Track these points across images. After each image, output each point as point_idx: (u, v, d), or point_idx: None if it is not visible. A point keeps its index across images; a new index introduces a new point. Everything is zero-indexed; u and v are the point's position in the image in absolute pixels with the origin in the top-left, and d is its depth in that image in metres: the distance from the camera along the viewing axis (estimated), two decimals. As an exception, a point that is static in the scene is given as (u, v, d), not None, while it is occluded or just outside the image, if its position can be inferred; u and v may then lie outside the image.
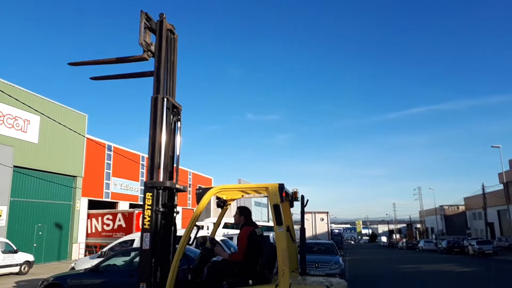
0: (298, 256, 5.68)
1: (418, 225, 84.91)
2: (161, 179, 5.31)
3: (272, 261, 4.88)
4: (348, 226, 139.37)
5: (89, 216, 27.70)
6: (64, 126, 20.45)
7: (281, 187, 4.81)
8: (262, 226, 40.24)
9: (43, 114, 19.55)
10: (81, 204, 26.83)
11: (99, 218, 27.20)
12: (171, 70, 5.92)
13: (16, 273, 17.25)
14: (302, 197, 5.56)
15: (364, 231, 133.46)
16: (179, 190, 5.56)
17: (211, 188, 5.12)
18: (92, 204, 28.95)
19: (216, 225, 6.25)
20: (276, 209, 4.68)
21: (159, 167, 5.37)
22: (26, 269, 17.86)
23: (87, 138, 26.86)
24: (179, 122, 5.86)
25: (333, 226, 77.63)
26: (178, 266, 4.80)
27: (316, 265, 13.86)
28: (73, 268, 12.60)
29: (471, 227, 61.64)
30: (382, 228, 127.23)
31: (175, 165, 5.85)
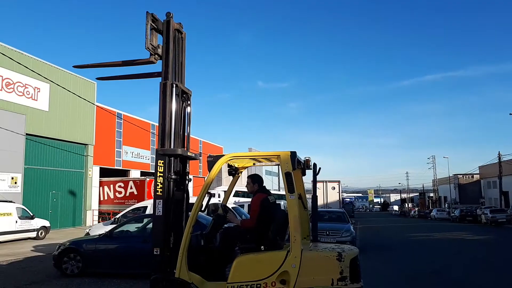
0: (309, 223, 5.66)
1: (431, 194, 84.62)
2: (172, 147, 5.28)
3: (284, 228, 4.88)
4: (360, 195, 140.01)
5: (101, 184, 28.08)
6: (74, 93, 20.34)
7: (293, 155, 4.78)
8: (274, 194, 40.72)
9: (52, 81, 19.43)
10: (93, 172, 27.15)
11: (111, 186, 27.57)
12: (179, 70, 5.71)
13: (33, 238, 17.71)
14: (315, 165, 5.49)
15: (376, 200, 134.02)
16: (191, 158, 5.52)
17: (223, 156, 5.08)
18: (104, 172, 29.30)
19: (228, 193, 6.24)
20: (288, 177, 4.66)
21: (170, 135, 5.31)
22: (43, 234, 18.32)
23: (97, 106, 26.82)
24: (189, 108, 5.76)
25: (345, 195, 77.99)
26: (191, 232, 4.83)
27: (327, 232, 13.83)
28: (88, 233, 12.83)
29: (485, 196, 61.15)
30: (394, 197, 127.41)
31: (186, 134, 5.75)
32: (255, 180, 5.38)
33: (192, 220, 4.85)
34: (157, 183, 5.14)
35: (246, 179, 5.56)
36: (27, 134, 21.21)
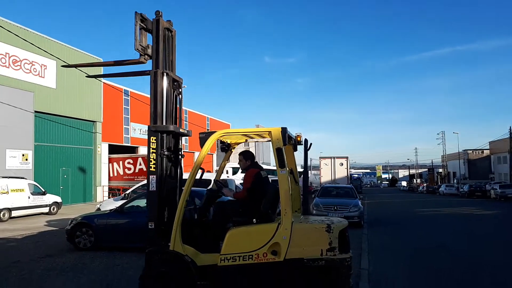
0: (301, 197, 5.82)
1: (440, 170, 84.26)
2: (164, 123, 5.38)
3: (275, 201, 5.02)
4: (368, 171, 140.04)
5: (110, 161, 28.33)
6: (80, 70, 20.25)
7: (284, 131, 4.87)
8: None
9: (59, 58, 19.32)
10: (102, 149, 27.37)
11: (120, 163, 27.78)
12: (170, 66, 5.74)
13: (46, 213, 18.06)
14: (306, 141, 5.62)
15: (384, 176, 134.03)
16: (183, 135, 5.67)
17: (215, 132, 5.20)
18: (113, 149, 29.51)
19: (221, 168, 6.38)
20: (279, 152, 4.79)
21: (162, 115, 5.40)
22: (55, 209, 18.67)
23: (104, 83, 26.76)
24: (180, 95, 5.83)
25: (353, 171, 77.98)
26: (184, 206, 4.96)
27: (335, 207, 13.90)
28: (98, 209, 13.03)
29: (495, 172, 60.76)
30: (402, 173, 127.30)
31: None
32: (247, 157, 5.53)
33: (186, 194, 4.96)
34: (150, 159, 5.27)
35: (238, 156, 5.69)
36: (35, 111, 21.32)
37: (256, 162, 5.63)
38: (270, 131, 4.94)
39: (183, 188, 5.20)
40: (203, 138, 5.16)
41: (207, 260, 4.81)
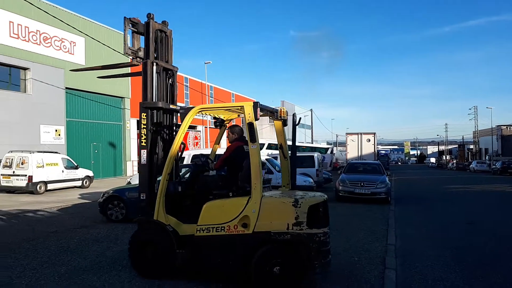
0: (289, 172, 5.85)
1: (471, 146, 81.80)
2: (154, 100, 5.67)
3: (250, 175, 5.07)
4: (396, 147, 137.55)
5: (139, 136, 28.93)
6: (108, 47, 20.53)
7: (255, 105, 4.90)
8: (306, 146, 40.60)
9: (87, 35, 19.64)
10: (131, 125, 27.94)
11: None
12: (166, 60, 6.04)
13: (79, 187, 18.79)
14: (294, 115, 5.79)
15: (412, 153, 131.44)
16: (175, 111, 5.91)
17: (193, 108, 5.35)
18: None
19: (217, 142, 6.63)
20: (250, 127, 4.85)
21: (152, 95, 5.70)
22: (87, 183, 19.38)
23: (131, 59, 27.02)
24: (172, 80, 6.12)
25: (380, 147, 76.80)
26: (167, 179, 5.22)
27: (361, 184, 13.80)
28: (129, 182, 13.42)
29: (530, 148, 58.48)
30: (431, 149, 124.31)
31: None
32: (234, 131, 5.74)
33: (168, 168, 5.22)
34: (141, 134, 5.55)
35: (227, 130, 5.96)
36: (66, 88, 21.89)
37: (244, 137, 5.68)
38: (243, 106, 5.02)
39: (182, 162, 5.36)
40: (183, 114, 5.34)
41: (187, 230, 5.07)
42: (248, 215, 4.67)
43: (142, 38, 5.97)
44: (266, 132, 58.66)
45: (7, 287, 4.95)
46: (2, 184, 16.65)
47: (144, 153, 5.55)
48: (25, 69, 20.03)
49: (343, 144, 45.85)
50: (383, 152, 58.18)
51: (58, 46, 21.85)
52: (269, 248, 4.64)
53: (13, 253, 6.68)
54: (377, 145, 37.44)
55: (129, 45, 5.71)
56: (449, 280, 5.41)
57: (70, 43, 22.59)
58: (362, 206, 12.66)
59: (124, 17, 5.71)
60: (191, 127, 33.34)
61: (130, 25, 5.74)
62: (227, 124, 6.24)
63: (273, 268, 4.56)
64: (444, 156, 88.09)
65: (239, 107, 5.24)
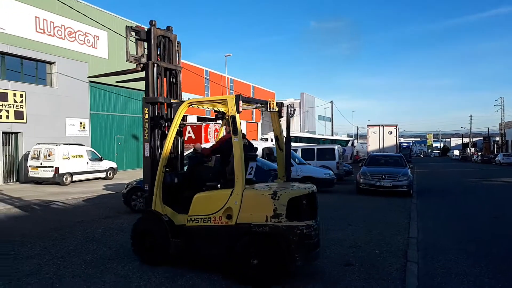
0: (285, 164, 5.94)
1: (497, 138, 79.46)
2: (155, 95, 6.01)
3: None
4: (418, 139, 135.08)
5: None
6: (130, 40, 20.81)
7: (237, 98, 5.00)
8: (326, 139, 40.28)
9: (110, 29, 19.92)
10: (153, 117, 28.23)
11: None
12: (170, 61, 6.38)
13: (103, 178, 19.26)
14: (287, 107, 5.84)
15: (435, 145, 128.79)
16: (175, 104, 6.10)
17: (183, 102, 5.63)
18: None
19: (220, 133, 6.79)
20: (232, 119, 4.96)
21: (153, 91, 6.02)
22: (111, 174, 19.84)
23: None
24: (175, 80, 6.43)
25: (402, 139, 75.52)
26: (163, 171, 5.49)
27: (383, 176, 13.65)
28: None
29: (559, 141, 56.38)
30: (455, 142, 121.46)
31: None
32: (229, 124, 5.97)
33: (163, 161, 5.47)
34: (144, 128, 5.83)
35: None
36: (90, 81, 22.32)
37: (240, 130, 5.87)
38: (226, 99, 5.14)
39: (185, 152, 5.87)
40: (175, 108, 5.63)
41: (181, 220, 5.26)
42: (231, 207, 4.79)
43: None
44: (285, 124, 58.49)
45: (36, 274, 5.16)
46: (30, 175, 17.23)
47: (146, 146, 5.82)
48: (51, 63, 20.51)
49: (364, 136, 45.28)
50: (405, 144, 57.19)
51: (82, 40, 22.27)
52: (248, 239, 4.71)
53: (42, 241, 6.93)
54: (399, 137, 36.85)
55: (131, 53, 5.99)
56: (473, 274, 5.33)
57: (94, 37, 22.98)
58: (384, 199, 12.54)
59: (126, 26, 6.10)
60: (211, 120, 33.60)
61: (133, 33, 6.07)
62: (227, 117, 6.34)
63: (252, 259, 4.60)
64: (468, 149, 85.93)
65: (223, 100, 5.35)
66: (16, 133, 18.57)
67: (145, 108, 5.85)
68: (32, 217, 9.61)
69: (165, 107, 6.15)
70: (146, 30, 6.14)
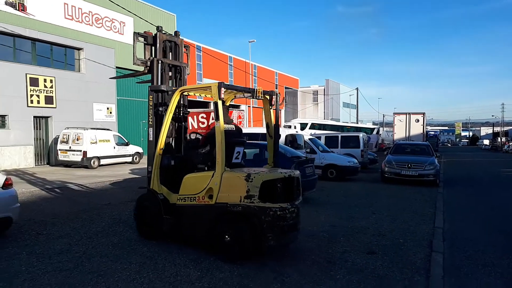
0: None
1: (530, 128, 76.41)
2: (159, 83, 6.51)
3: (229, 152, 5.54)
4: (446, 128, 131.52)
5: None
6: (156, 26, 20.96)
7: (219, 86, 5.22)
8: (351, 127, 39.72)
9: (135, 15, 20.11)
10: (178, 103, 28.52)
11: (195, 117, 28.77)
12: (176, 59, 6.96)
13: (129, 162, 19.69)
14: (276, 94, 6.09)
15: (463, 134, 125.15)
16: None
17: (177, 89, 6.01)
18: (187, 104, 30.62)
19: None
20: (215, 105, 5.24)
21: (158, 82, 6.53)
22: (137, 159, 20.26)
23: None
24: (180, 75, 6.92)
25: (429, 128, 73.67)
26: (160, 153, 5.97)
27: (409, 165, 13.40)
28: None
29: None
30: (485, 131, 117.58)
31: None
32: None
33: (160, 143, 5.93)
34: (149, 114, 6.30)
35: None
36: (116, 67, 22.68)
37: (228, 116, 6.17)
38: (210, 86, 5.41)
39: (188, 135, 6.55)
40: (170, 95, 6.02)
41: (174, 199, 5.71)
42: (212, 187, 5.19)
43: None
44: (309, 111, 58.00)
45: (66, 253, 5.36)
46: (60, 158, 17.79)
47: (151, 130, 6.28)
48: (79, 49, 20.93)
49: (390, 124, 44.41)
50: (432, 133, 55.69)
51: (108, 26, 22.59)
52: (225, 218, 5.11)
53: (71, 222, 7.18)
54: (426, 125, 35.95)
55: (138, 57, 6.52)
56: (501, 266, 5.20)
57: (120, 23, 23.27)
58: (409, 188, 12.33)
59: (134, 32, 6.70)
60: (234, 106, 33.68)
61: (142, 38, 6.63)
62: (226, 104, 6.76)
63: (225, 236, 5.03)
64: (499, 138, 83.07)
65: (209, 87, 5.59)
66: (47, 117, 19.15)
67: (150, 96, 6.29)
68: (62, 198, 9.95)
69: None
70: (153, 35, 6.68)
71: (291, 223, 4.99)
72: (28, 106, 18.05)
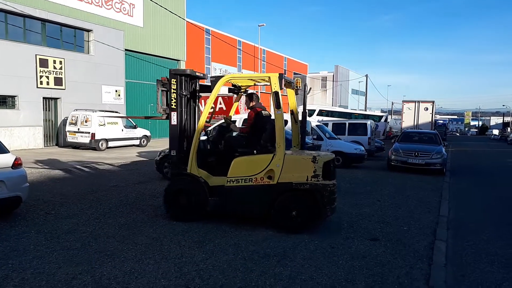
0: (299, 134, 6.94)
1: (542, 119, 75.33)
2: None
3: (273, 136, 5.82)
4: (455, 117, 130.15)
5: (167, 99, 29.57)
6: (165, 9, 20.83)
7: (280, 76, 5.69)
8: (359, 114, 39.44)
9: (145, -3, 20.02)
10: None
11: (202, 101, 28.89)
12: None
13: (137, 145, 19.82)
14: (305, 85, 6.64)
15: (473, 123, 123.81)
16: (199, 77, 6.59)
17: (223, 76, 6.09)
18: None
19: (234, 107, 7.81)
20: (276, 95, 5.67)
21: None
22: (145, 142, 20.38)
23: (187, 21, 27.26)
24: (195, 88, 6.60)
25: (438, 117, 72.90)
26: (199, 138, 6.08)
27: (416, 153, 13.33)
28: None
29: None
30: (495, 121, 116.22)
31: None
32: (252, 98, 6.66)
33: (200, 127, 6.11)
34: (172, 98, 6.29)
35: (244, 97, 6.93)
36: (125, 49, 22.65)
37: (260, 103, 6.74)
38: (269, 76, 5.76)
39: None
40: (214, 81, 6.05)
41: (217, 181, 5.96)
42: (273, 169, 5.62)
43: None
44: (317, 98, 57.64)
45: (74, 233, 5.47)
46: (69, 140, 17.97)
47: (174, 115, 6.29)
48: (88, 31, 20.89)
49: (399, 112, 44.05)
50: (441, 122, 55.11)
51: (118, 8, 22.49)
52: (289, 195, 5.63)
53: (79, 203, 7.30)
54: (435, 114, 35.58)
55: (160, 104, 6.62)
56: (505, 256, 5.20)
57: (130, 5, 23.14)
58: (415, 177, 12.29)
59: (157, 79, 6.68)
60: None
61: (162, 85, 6.61)
62: (242, 91, 7.11)
63: (291, 212, 5.58)
64: (509, 128, 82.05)
65: (267, 78, 5.90)
66: (56, 98, 19.26)
67: (172, 80, 6.26)
68: (70, 179, 10.09)
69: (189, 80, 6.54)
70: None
71: (336, 197, 5.84)
72: (37, 87, 18.15)
